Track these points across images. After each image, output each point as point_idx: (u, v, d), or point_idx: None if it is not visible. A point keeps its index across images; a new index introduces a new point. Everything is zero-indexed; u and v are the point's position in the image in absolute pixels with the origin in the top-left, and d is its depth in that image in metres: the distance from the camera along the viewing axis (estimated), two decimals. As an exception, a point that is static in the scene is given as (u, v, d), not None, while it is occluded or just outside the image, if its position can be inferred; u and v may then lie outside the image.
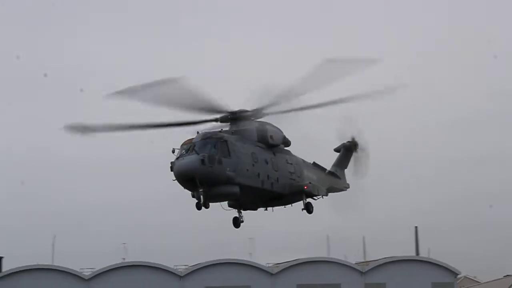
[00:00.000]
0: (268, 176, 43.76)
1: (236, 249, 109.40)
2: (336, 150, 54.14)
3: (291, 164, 46.01)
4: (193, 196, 42.03)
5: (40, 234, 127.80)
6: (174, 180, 41.31)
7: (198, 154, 40.59)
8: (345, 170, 53.43)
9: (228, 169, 41.38)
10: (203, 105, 42.66)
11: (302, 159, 48.14)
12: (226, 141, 42.13)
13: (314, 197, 48.11)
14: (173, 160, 41.55)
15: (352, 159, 53.78)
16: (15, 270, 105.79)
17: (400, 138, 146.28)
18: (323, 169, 50.58)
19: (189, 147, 41.43)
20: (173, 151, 42.29)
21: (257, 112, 44.46)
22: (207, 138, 41.62)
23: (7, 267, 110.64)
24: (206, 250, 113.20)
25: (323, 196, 49.84)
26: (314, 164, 49.86)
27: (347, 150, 53.66)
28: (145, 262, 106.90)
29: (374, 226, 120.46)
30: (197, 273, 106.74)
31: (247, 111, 44.39)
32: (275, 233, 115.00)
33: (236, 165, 41.87)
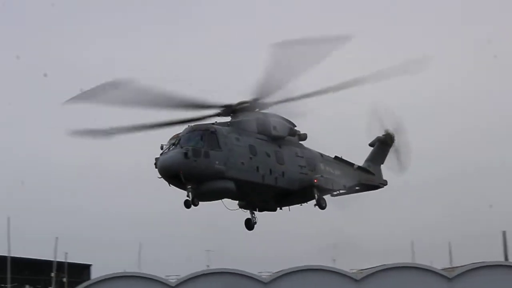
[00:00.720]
0: (270, 170, 40.58)
1: (319, 256, 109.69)
2: (371, 144, 51.43)
3: (302, 157, 43.02)
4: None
5: (126, 242, 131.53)
6: (159, 177, 38.45)
7: (182, 147, 37.67)
8: (382, 165, 51.12)
9: (216, 162, 38.12)
10: (200, 101, 40.30)
11: (320, 153, 45.41)
12: (215, 132, 38.92)
13: (333, 193, 45.43)
14: (157, 156, 38.88)
15: (389, 153, 51.20)
16: (103, 278, 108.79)
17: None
18: (350, 164, 47.89)
19: (175, 141, 38.73)
20: (161, 147, 39.48)
21: (257, 103, 41.65)
22: (194, 131, 38.62)
23: (96, 274, 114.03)
24: (287, 256, 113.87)
25: (350, 193, 47.80)
26: (336, 158, 46.98)
27: (383, 144, 51.01)
28: (229, 269, 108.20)
29: (459, 230, 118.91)
30: (281, 280, 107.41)
31: (246, 102, 41.59)
32: (357, 238, 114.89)
33: (227, 158, 38.56)
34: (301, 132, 44.23)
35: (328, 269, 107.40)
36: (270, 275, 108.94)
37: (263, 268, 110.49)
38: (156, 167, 38.06)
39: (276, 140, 42.10)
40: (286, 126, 42.81)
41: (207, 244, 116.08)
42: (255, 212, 43.23)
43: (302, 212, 44.19)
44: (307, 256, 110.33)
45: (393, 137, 50.64)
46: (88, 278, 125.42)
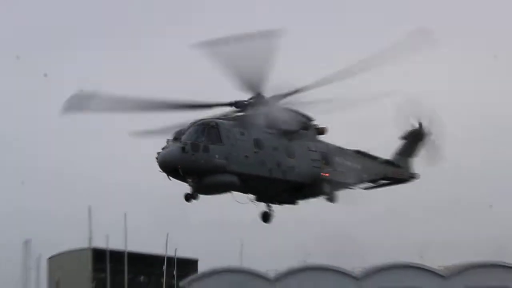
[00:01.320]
0: (278, 164, 40.09)
1: (407, 253, 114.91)
2: (402, 138, 50.34)
3: (315, 151, 42.48)
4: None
5: (228, 237, 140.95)
6: (160, 171, 38.44)
7: (181, 142, 37.66)
8: (413, 159, 50.23)
9: (217, 156, 37.70)
10: (209, 101, 40.63)
11: (339, 147, 45.09)
12: (217, 126, 38.65)
13: (350, 187, 45.05)
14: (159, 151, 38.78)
15: (422, 146, 50.05)
16: (209, 272, 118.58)
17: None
18: (374, 158, 47.55)
19: (177, 136, 38.78)
20: (167, 142, 39.35)
21: (267, 97, 41.18)
22: (196, 125, 38.54)
23: (202, 269, 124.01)
24: (377, 252, 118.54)
25: (377, 186, 47.69)
26: (358, 152, 46.60)
27: (414, 138, 50.10)
28: (324, 264, 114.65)
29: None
30: (372, 275, 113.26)
31: (255, 97, 41.18)
32: (444, 235, 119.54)
33: (229, 152, 38.14)
34: (320, 126, 43.98)
35: (416, 265, 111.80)
36: (361, 271, 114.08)
37: (355, 264, 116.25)
38: (157, 162, 38.20)
39: (287, 134, 41.65)
40: (298, 120, 42.18)
41: (303, 239, 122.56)
42: (271, 205, 43.12)
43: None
44: (392, 253, 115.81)
45: (425, 131, 49.68)
46: (195, 271, 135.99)
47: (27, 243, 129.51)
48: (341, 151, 45.12)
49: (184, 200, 37.95)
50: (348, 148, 46.19)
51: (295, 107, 41.68)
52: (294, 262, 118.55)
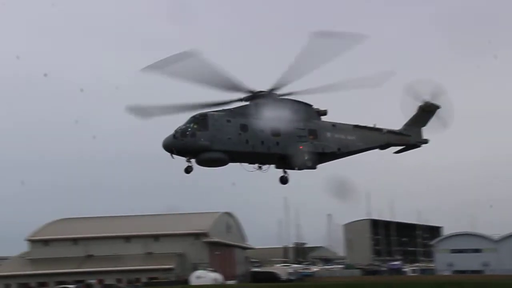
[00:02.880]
0: (262, 142, 48.05)
1: None
2: (415, 110, 54.44)
3: (303, 129, 49.78)
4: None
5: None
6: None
7: (175, 131, 46.61)
8: (422, 128, 55.10)
9: (202, 139, 46.62)
10: (227, 83, 46.93)
11: (334, 123, 51.80)
12: (206, 117, 47.38)
13: (347, 154, 52.07)
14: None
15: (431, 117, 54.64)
16: (448, 235, 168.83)
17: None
18: (374, 129, 53.42)
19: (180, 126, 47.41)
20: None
21: (274, 92, 48.68)
22: (191, 117, 47.46)
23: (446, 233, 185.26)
24: None
25: (383, 149, 53.79)
26: (356, 126, 52.64)
27: (424, 112, 54.68)
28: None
29: None
30: None
31: (264, 91, 48.61)
32: None
33: (213, 135, 46.88)
34: (321, 109, 51.49)
35: None
36: None
37: None
38: None
39: (277, 117, 48.94)
40: (292, 108, 49.47)
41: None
42: (287, 170, 50.44)
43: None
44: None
45: (434, 105, 53.99)
46: (441, 235, 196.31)
47: (329, 215, 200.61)
48: (334, 127, 51.76)
49: (184, 172, 46.83)
50: (347, 123, 52.66)
51: (294, 98, 49.36)
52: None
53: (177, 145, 46.92)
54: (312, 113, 51.32)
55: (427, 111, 54.29)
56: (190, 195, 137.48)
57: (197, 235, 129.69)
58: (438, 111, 54.03)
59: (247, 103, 49.20)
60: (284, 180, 50.45)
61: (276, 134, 48.88)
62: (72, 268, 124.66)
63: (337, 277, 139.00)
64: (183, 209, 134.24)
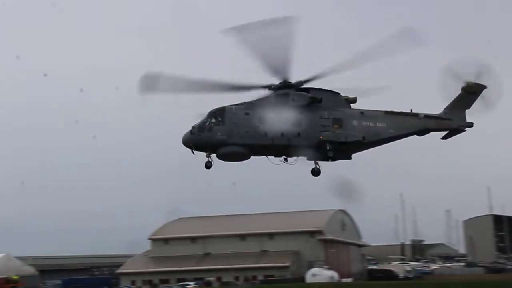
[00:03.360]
0: (282, 133, 47.30)
1: None
2: (459, 91, 51.33)
3: (327, 118, 48.54)
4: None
5: None
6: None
7: (192, 127, 47.44)
8: (464, 110, 51.79)
9: (219, 134, 47.10)
10: (245, 83, 46.95)
11: (361, 111, 50.13)
12: (223, 111, 47.60)
13: (378, 143, 50.47)
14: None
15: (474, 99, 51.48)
16: None
17: None
18: (409, 114, 51.20)
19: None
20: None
21: (291, 83, 48.10)
22: (209, 112, 47.79)
23: None
24: None
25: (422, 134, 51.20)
26: (387, 112, 50.64)
27: (467, 93, 51.40)
28: None
29: None
30: None
31: (282, 82, 48.08)
32: None
33: (230, 130, 47.13)
34: (350, 97, 50.08)
35: None
36: None
37: None
38: None
39: (297, 108, 48.16)
40: (306, 97, 48.41)
41: None
42: (318, 162, 48.92)
43: None
44: None
45: (479, 85, 50.93)
46: None
47: (448, 211, 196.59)
48: (362, 114, 49.83)
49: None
50: (378, 110, 50.48)
51: (320, 87, 48.51)
52: None
53: (194, 140, 47.26)
54: (340, 101, 49.69)
55: (470, 93, 50.69)
56: (304, 192, 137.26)
57: (312, 233, 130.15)
58: (484, 91, 50.41)
59: (271, 93, 48.16)
60: (315, 172, 48.81)
61: (297, 125, 47.69)
62: (191, 266, 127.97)
63: (459, 275, 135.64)
64: (297, 207, 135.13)
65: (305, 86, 48.23)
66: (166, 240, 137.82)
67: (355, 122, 49.09)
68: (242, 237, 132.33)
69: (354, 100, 49.94)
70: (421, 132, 51.31)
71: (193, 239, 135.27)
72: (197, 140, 47.26)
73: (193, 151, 47.31)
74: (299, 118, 47.80)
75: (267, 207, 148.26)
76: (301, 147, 47.62)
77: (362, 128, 49.16)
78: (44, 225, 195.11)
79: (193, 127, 47.47)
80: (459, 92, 50.71)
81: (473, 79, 50.06)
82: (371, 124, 49.61)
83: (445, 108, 51.35)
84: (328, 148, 47.79)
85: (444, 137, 52.40)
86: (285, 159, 48.25)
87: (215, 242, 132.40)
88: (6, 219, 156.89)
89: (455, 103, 51.26)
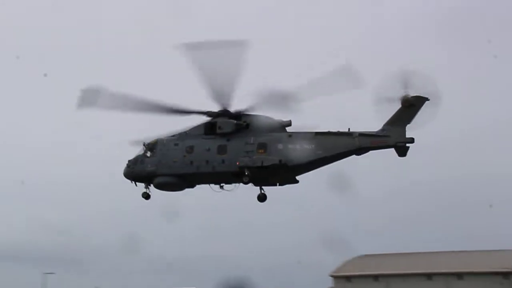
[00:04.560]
0: (207, 161, 48.83)
1: None
2: (398, 106, 49.21)
3: (252, 144, 49.17)
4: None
5: None
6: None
7: (128, 160, 51.08)
8: (404, 126, 49.33)
9: (149, 165, 49.75)
10: (186, 108, 48.79)
11: (290, 133, 50.06)
12: (156, 143, 50.52)
13: (309, 165, 49.76)
14: None
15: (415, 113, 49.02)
16: None
17: None
18: (341, 134, 49.81)
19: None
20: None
21: (238, 113, 50.15)
22: (144, 144, 50.93)
23: None
24: None
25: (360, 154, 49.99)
26: (317, 133, 49.86)
27: (404, 107, 48.72)
28: None
29: None
30: None
31: (228, 111, 50.06)
32: None
33: (159, 161, 49.62)
34: (284, 120, 50.41)
35: None
36: None
37: None
38: None
39: (224, 135, 49.53)
40: (231, 124, 49.60)
41: None
42: (263, 187, 50.31)
43: None
44: None
45: (416, 98, 48.37)
46: None
47: None
48: (289, 137, 49.82)
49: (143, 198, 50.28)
50: (309, 131, 50.07)
51: (260, 113, 50.05)
52: None
53: (130, 173, 50.85)
54: (272, 126, 50.43)
55: (409, 106, 48.84)
56: (497, 230, 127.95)
57: (505, 274, 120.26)
58: (426, 104, 48.65)
59: (206, 120, 50.23)
60: (261, 198, 50.48)
61: (222, 152, 49.30)
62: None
63: None
64: (490, 245, 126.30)
65: (239, 113, 49.74)
66: (348, 278, 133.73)
67: (280, 146, 49.47)
68: (428, 276, 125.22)
69: (288, 124, 50.55)
70: (358, 151, 50.17)
71: (376, 277, 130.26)
72: (131, 172, 50.80)
73: (134, 183, 50.76)
74: (224, 145, 49.53)
75: (456, 244, 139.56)
76: (226, 173, 49.21)
77: (286, 151, 49.25)
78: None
79: (129, 161, 50.79)
80: (399, 106, 49.00)
81: (411, 92, 48.19)
82: (297, 146, 49.39)
83: (384, 125, 49.83)
84: (246, 173, 48.67)
85: (400, 155, 50.22)
86: (221, 187, 49.86)
87: (399, 280, 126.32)
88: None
89: (394, 119, 49.49)
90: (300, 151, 49.57)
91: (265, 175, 49.48)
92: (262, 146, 49.49)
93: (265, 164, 48.98)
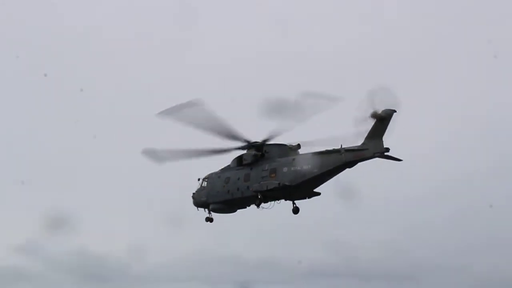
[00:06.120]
0: (238, 188, 59.66)
1: None
2: (371, 120, 54.73)
3: (266, 170, 58.47)
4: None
5: None
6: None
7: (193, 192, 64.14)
8: (380, 138, 54.37)
9: (202, 195, 61.86)
10: (227, 133, 57.37)
11: (293, 157, 58.32)
12: (207, 177, 62.65)
13: (308, 183, 57.43)
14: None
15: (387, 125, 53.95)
16: None
17: None
18: (331, 151, 55.75)
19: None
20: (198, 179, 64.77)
21: (264, 142, 59.48)
22: (200, 180, 63.26)
23: None
24: None
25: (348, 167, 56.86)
26: (314, 154, 57.04)
27: (377, 121, 53.73)
28: None
29: None
30: None
31: (256, 142, 59.70)
32: None
33: (208, 192, 61.50)
34: (293, 145, 59.41)
35: None
36: None
37: None
38: None
39: (250, 164, 59.50)
40: (250, 155, 59.36)
41: None
42: (296, 202, 58.66)
43: None
44: None
45: (384, 112, 53.29)
46: None
47: None
48: (293, 161, 57.94)
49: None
50: (307, 153, 58.31)
51: (272, 142, 59.88)
52: None
53: (194, 202, 63.46)
54: (284, 151, 59.09)
55: (380, 120, 54.03)
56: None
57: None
58: (394, 115, 53.88)
59: (243, 152, 59.49)
60: (294, 211, 58.77)
61: (247, 179, 59.08)
62: None
63: None
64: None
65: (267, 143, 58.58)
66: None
67: (285, 169, 57.61)
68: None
69: (297, 147, 59.42)
70: (347, 165, 56.32)
71: None
72: (195, 202, 63.38)
73: (197, 208, 62.76)
74: (248, 174, 59.32)
75: None
76: (251, 198, 58.53)
77: (289, 174, 56.93)
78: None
79: (193, 192, 62.98)
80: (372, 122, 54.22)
81: (378, 108, 53.46)
82: (298, 168, 56.89)
83: (364, 139, 55.41)
84: (259, 196, 57.93)
85: (396, 160, 55.48)
86: (258, 206, 58.67)
87: None
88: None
89: (370, 133, 54.79)
90: (299, 172, 56.99)
91: (277, 195, 57.79)
92: (273, 171, 58.28)
93: (269, 187, 57.86)
